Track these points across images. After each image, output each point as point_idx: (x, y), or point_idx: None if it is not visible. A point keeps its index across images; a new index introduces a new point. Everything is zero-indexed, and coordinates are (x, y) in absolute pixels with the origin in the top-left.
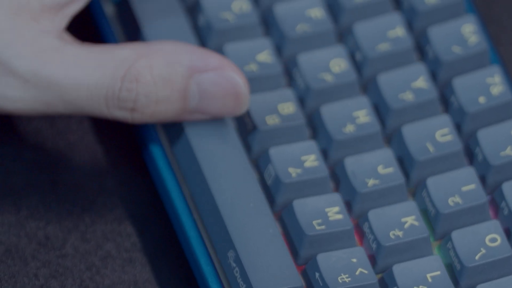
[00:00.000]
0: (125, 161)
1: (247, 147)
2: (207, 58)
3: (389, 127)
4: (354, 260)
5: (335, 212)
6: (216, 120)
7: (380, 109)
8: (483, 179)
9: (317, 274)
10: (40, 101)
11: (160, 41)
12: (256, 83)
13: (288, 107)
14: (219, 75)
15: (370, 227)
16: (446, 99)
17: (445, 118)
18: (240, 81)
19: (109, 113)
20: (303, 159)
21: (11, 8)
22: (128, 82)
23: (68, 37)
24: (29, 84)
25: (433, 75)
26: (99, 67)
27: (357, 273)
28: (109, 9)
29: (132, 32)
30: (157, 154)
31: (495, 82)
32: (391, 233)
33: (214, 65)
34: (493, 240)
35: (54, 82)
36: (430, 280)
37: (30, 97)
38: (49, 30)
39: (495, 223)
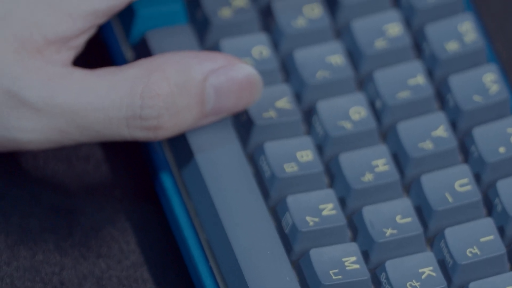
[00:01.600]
0: (141, 200)
1: (265, 194)
2: (215, 57)
3: (408, 176)
4: None
5: (352, 262)
6: (230, 153)
7: (399, 158)
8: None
9: None
10: (54, 129)
11: (163, 54)
12: (276, 129)
13: (307, 155)
14: (232, 70)
15: (387, 278)
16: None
17: (464, 167)
18: (252, 70)
19: (129, 134)
20: (321, 207)
21: (15, 42)
22: (149, 98)
23: (75, 66)
24: (41, 113)
25: (454, 124)
26: (113, 89)
27: None
28: (127, 51)
29: None
30: (174, 200)
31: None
32: (408, 284)
33: (223, 62)
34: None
35: (68, 108)
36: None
37: (44, 126)
38: (55, 60)
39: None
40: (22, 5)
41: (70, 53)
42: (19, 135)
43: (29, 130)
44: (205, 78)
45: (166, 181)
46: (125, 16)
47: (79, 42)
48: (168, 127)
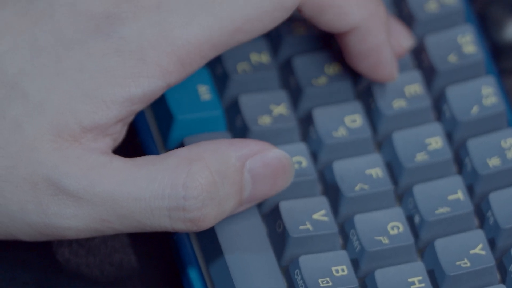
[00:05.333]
0: None
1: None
2: (248, 144)
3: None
4: None
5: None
6: (261, 259)
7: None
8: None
9: None
10: (94, 218)
11: (198, 143)
12: (312, 242)
13: (343, 270)
14: (266, 156)
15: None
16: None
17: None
18: (285, 154)
19: (171, 225)
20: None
21: (51, 131)
22: (192, 189)
23: (113, 154)
24: (82, 201)
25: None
26: (153, 179)
27: None
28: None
29: None
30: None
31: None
32: None
33: (257, 148)
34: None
35: (108, 197)
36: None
37: (84, 213)
38: (93, 148)
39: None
40: (57, 93)
41: (108, 141)
42: (59, 222)
43: (69, 217)
44: (243, 165)
45: (193, 276)
46: (164, 120)
47: (117, 130)
48: (211, 217)
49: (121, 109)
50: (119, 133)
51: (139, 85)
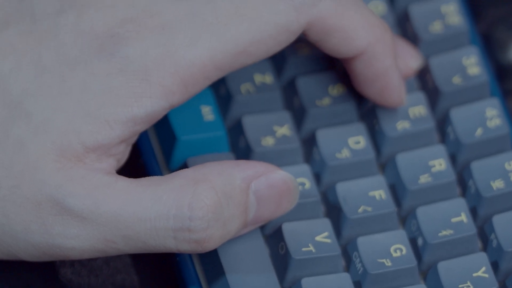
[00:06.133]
0: None
1: None
2: (253, 165)
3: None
4: None
5: None
6: (264, 280)
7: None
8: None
9: None
10: (99, 238)
11: (204, 164)
12: (315, 264)
13: None
14: (271, 177)
15: None
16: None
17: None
18: (289, 176)
19: (175, 246)
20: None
21: (54, 150)
22: (198, 209)
23: (117, 175)
24: (86, 221)
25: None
26: (159, 199)
27: None
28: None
29: None
30: None
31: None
32: None
33: (262, 169)
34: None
35: (113, 218)
36: None
37: (88, 234)
38: (97, 168)
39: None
40: (61, 113)
41: (112, 162)
42: (63, 242)
43: (74, 237)
44: (248, 186)
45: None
46: (167, 141)
47: (120, 150)
48: (216, 238)
49: (124, 129)
50: (122, 153)
51: (142, 106)
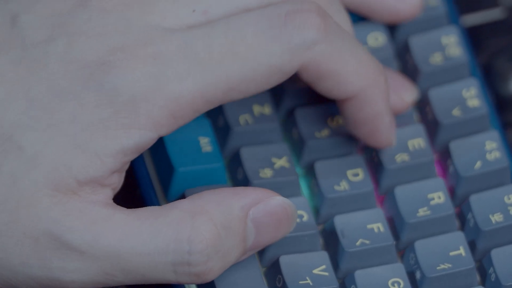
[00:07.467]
0: None
1: None
2: (250, 192)
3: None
4: None
5: None
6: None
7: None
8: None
9: None
10: (98, 271)
11: (201, 194)
12: None
13: None
14: (269, 204)
15: None
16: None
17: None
18: (287, 201)
19: (176, 279)
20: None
21: (48, 186)
22: (197, 243)
23: (115, 205)
24: (85, 255)
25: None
26: (157, 233)
27: None
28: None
29: None
30: None
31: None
32: None
33: (259, 196)
34: None
35: (112, 251)
36: None
37: (88, 267)
38: (94, 201)
39: None
40: (51, 146)
41: (107, 191)
42: (62, 276)
43: (73, 271)
44: (246, 215)
45: None
46: (165, 172)
47: (114, 181)
48: (216, 270)
49: (115, 161)
50: (117, 182)
51: (131, 137)
